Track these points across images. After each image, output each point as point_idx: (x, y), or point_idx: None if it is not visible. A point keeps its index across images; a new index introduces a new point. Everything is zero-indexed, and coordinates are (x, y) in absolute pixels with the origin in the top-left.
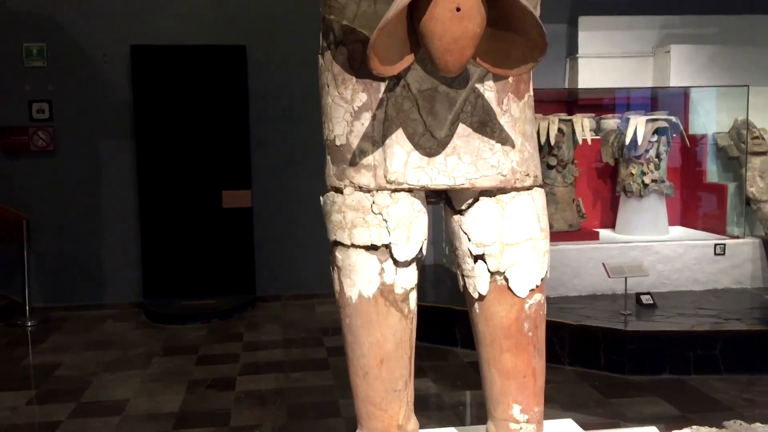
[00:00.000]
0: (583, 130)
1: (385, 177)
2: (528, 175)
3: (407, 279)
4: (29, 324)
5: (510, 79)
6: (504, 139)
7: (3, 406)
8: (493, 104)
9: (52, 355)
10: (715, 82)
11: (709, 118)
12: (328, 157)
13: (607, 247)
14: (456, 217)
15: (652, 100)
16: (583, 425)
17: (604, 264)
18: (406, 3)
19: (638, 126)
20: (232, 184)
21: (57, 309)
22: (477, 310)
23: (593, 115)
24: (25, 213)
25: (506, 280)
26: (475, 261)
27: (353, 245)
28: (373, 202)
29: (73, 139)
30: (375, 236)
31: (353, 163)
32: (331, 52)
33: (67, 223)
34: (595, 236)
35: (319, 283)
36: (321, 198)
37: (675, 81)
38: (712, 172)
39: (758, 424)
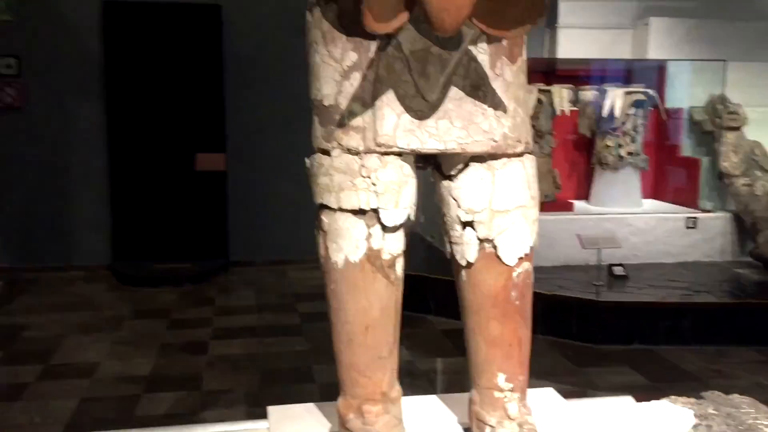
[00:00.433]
0: (561, 100)
1: (375, 140)
2: (520, 141)
3: (395, 245)
4: None
5: (504, 42)
6: (496, 104)
7: None
8: (487, 68)
9: (19, 317)
10: (693, 56)
11: (686, 92)
12: (316, 118)
13: (582, 218)
14: (445, 183)
15: (630, 73)
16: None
17: (578, 235)
18: None
19: (616, 98)
20: (206, 147)
21: (24, 270)
22: (464, 278)
23: (572, 86)
24: None
25: (495, 247)
26: (464, 228)
27: (340, 209)
28: (362, 165)
29: (43, 96)
30: (363, 200)
31: (342, 125)
32: (320, 8)
33: (35, 182)
34: (569, 207)
35: (293, 249)
36: (307, 160)
37: (653, 54)
38: (686, 146)
39: (736, 395)
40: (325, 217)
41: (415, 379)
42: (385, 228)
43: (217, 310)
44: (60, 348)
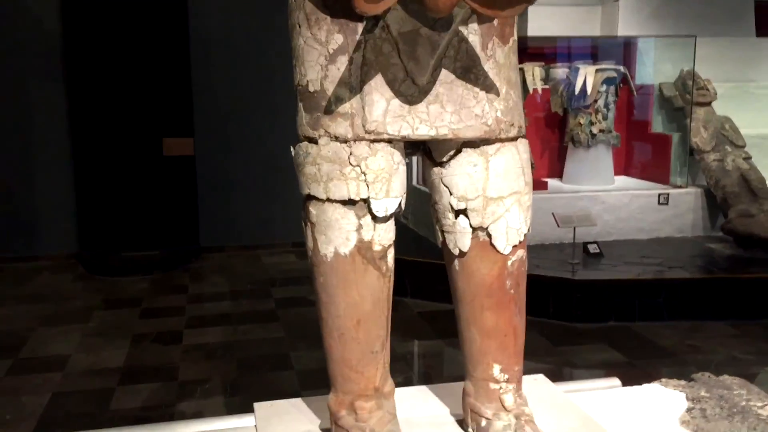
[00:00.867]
0: (534, 79)
1: (364, 126)
2: (513, 125)
3: (386, 235)
4: None
5: (495, 22)
6: (488, 87)
7: None
8: (478, 49)
9: None
10: (663, 32)
11: (656, 69)
12: (301, 105)
13: (555, 197)
14: (436, 170)
15: (599, 50)
16: (534, 372)
17: (553, 214)
18: None
19: (587, 76)
20: (173, 132)
21: None
22: (457, 268)
23: (543, 64)
24: None
25: (489, 236)
26: (457, 216)
27: (329, 200)
28: (351, 154)
29: (1, 81)
30: (353, 190)
31: (328, 111)
32: None
33: None
34: (543, 186)
35: (265, 233)
36: (292, 149)
37: (623, 31)
38: (657, 123)
39: (726, 376)
40: (313, 209)
41: (393, 363)
42: (375, 218)
43: (189, 297)
44: (28, 341)
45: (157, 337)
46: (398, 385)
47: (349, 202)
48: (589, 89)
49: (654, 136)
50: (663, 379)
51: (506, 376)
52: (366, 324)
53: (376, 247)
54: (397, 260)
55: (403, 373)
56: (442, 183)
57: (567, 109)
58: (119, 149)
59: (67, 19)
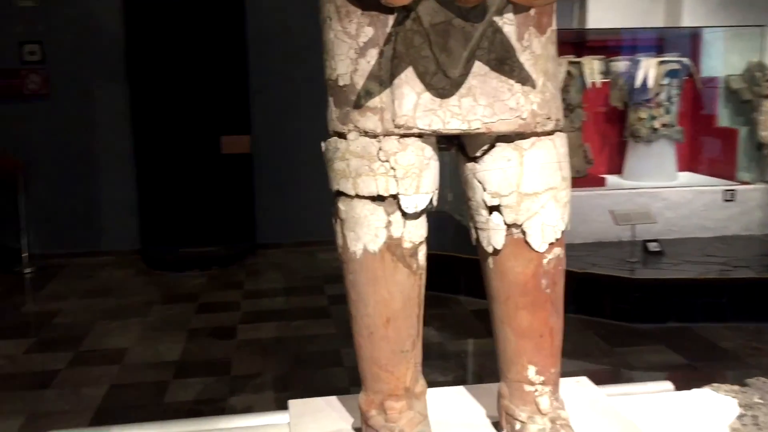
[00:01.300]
0: (592, 72)
1: (393, 121)
2: (549, 118)
3: (416, 232)
4: (27, 271)
5: (532, 12)
6: (524, 79)
7: (1, 354)
8: (513, 40)
9: (50, 303)
10: (729, 23)
11: (722, 60)
12: (331, 99)
13: (614, 193)
14: (469, 165)
15: (663, 42)
16: (588, 374)
17: (611, 211)
18: None
19: (649, 68)
20: (231, 129)
21: (54, 256)
22: (491, 266)
23: (603, 57)
24: (20, 159)
25: (523, 233)
26: (490, 212)
27: (358, 196)
28: (380, 149)
29: (67, 82)
30: (382, 186)
31: (358, 106)
32: None
33: (62, 168)
34: (601, 182)
35: (321, 230)
36: (322, 144)
37: (687, 21)
38: (723, 116)
39: None
40: (342, 205)
41: (445, 360)
42: (405, 215)
43: (245, 293)
44: (90, 334)
45: (212, 331)
46: (450, 383)
47: (378, 198)
48: (650, 82)
49: (720, 130)
50: (714, 384)
51: (542, 378)
52: (396, 322)
53: (406, 245)
54: (451, 258)
55: (456, 372)
56: (476, 178)
57: (627, 103)
58: (179, 148)
59: (129, 23)
